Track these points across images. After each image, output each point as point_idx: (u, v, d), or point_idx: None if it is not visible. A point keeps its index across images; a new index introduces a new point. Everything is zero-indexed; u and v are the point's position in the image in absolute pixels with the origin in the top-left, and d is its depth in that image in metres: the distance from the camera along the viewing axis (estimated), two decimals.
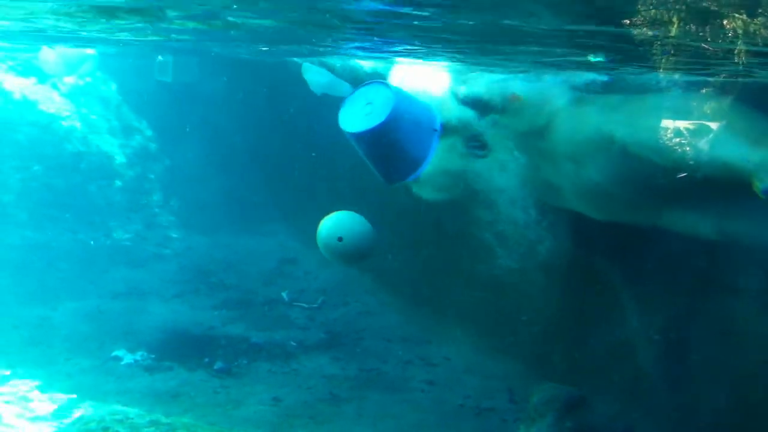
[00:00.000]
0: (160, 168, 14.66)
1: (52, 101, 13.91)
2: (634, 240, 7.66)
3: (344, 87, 7.95)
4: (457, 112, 7.64)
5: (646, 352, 8.15)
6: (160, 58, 13.45)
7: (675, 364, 7.88)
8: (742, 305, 7.06)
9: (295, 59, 10.37)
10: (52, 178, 13.46)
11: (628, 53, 5.75)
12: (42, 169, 13.40)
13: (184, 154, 14.55)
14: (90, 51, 13.29)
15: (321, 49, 8.43)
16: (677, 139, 6.28)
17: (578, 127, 7.09)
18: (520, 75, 7.88)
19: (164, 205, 14.37)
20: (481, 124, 7.48)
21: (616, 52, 5.84)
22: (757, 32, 4.29)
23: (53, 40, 10.51)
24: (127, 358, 10.19)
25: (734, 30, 4.30)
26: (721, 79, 6.39)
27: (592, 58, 6.09)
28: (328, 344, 11.11)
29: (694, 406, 7.56)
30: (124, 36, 8.47)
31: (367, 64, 9.23)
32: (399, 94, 7.07)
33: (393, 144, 7.05)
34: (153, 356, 10.27)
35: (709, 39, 4.65)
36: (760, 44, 4.66)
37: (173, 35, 8.28)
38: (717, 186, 6.28)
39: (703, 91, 6.53)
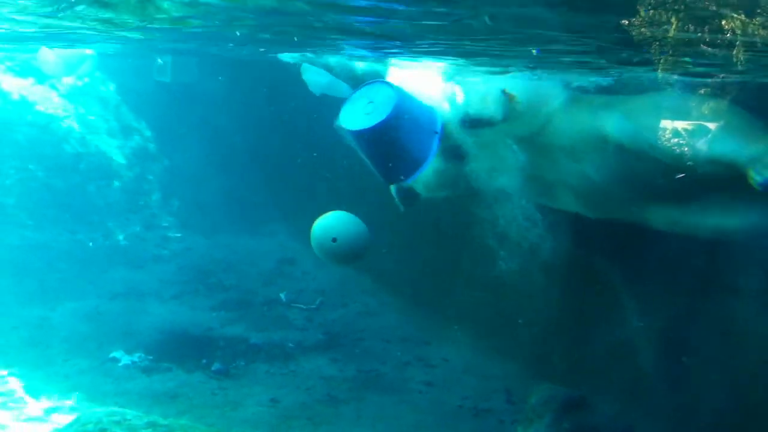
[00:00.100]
0: (159, 168, 14.64)
1: (50, 102, 13.90)
2: (634, 240, 7.64)
3: (343, 87, 7.92)
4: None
5: (646, 352, 8.14)
6: (160, 61, 13.44)
7: (675, 365, 7.86)
8: (743, 305, 7.04)
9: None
10: (51, 178, 13.45)
11: (628, 53, 5.74)
12: (41, 170, 13.38)
13: (183, 154, 14.53)
14: (88, 51, 13.27)
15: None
16: (674, 138, 6.26)
17: (574, 126, 7.09)
18: (518, 75, 7.86)
19: (163, 205, 14.35)
20: (461, 134, 7.45)
21: (615, 53, 5.83)
22: (756, 32, 4.27)
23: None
24: (125, 359, 10.18)
25: (732, 30, 4.28)
26: (719, 79, 6.37)
27: (534, 51, 6.08)
28: (327, 345, 11.09)
29: (694, 407, 7.55)
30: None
31: (362, 65, 9.21)
32: (401, 94, 7.06)
33: (393, 143, 7.04)
34: (151, 357, 10.25)
35: (707, 39, 4.62)
36: (759, 44, 4.65)
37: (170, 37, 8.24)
38: (713, 182, 6.27)
39: (701, 91, 6.51)
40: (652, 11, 4.14)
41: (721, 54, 5.12)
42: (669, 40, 4.82)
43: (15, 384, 9.33)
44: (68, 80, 14.14)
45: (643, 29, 4.57)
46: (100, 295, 12.12)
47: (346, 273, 12.39)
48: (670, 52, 5.31)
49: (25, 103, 13.60)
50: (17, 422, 8.44)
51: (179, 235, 13.90)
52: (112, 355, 10.26)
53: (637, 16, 4.29)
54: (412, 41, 6.50)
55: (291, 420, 8.82)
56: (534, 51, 6.11)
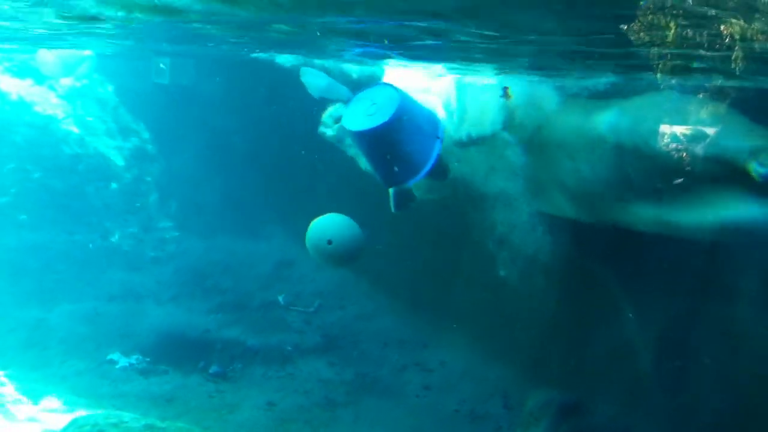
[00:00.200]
0: (157, 170, 14.60)
1: (49, 102, 13.86)
2: (632, 242, 7.63)
3: (342, 90, 7.91)
4: None
5: (644, 354, 8.13)
6: (162, 66, 13.42)
7: (673, 367, 7.85)
8: (742, 306, 7.04)
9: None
10: (49, 179, 13.42)
11: (627, 58, 5.74)
12: (39, 170, 13.35)
13: (181, 156, 14.50)
14: (87, 52, 13.26)
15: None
16: (672, 140, 6.27)
17: (570, 128, 7.10)
18: (517, 78, 7.86)
19: (161, 207, 14.32)
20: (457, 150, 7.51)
21: (614, 58, 5.83)
22: (755, 38, 4.26)
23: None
24: (123, 362, 10.16)
25: (731, 35, 4.28)
26: (717, 83, 6.37)
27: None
28: (325, 348, 11.07)
29: (693, 408, 7.54)
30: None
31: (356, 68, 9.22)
32: (404, 98, 7.06)
33: (394, 145, 7.03)
34: (148, 360, 10.23)
35: (706, 44, 4.62)
36: (758, 49, 4.64)
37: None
38: (712, 181, 6.28)
39: (700, 95, 6.52)
40: (650, 15, 4.13)
41: (719, 58, 5.12)
42: (668, 44, 4.82)
43: (12, 385, 9.31)
44: (66, 81, 14.11)
45: (641, 33, 4.57)
46: (98, 297, 12.09)
47: (344, 276, 12.36)
48: (669, 56, 5.31)
49: (23, 104, 13.56)
50: (14, 424, 8.42)
51: (176, 234, 13.88)
52: (109, 357, 10.24)
53: (636, 21, 4.29)
54: (409, 43, 6.51)
55: (288, 423, 8.81)
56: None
